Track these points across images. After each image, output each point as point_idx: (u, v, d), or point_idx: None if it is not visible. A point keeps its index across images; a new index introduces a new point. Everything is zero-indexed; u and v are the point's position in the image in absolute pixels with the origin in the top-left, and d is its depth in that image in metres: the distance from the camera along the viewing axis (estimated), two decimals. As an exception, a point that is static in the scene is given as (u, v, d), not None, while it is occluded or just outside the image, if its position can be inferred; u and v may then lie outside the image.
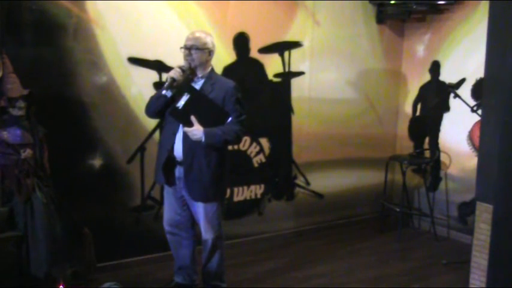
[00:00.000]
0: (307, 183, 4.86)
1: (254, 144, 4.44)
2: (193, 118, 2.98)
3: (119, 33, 3.64)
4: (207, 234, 3.26)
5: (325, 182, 4.97)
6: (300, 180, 4.80)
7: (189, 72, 3.10)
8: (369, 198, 5.29)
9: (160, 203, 4.00)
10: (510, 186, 2.90)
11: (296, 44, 4.56)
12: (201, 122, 2.99)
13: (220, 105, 3.07)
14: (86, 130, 3.61)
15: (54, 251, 3.03)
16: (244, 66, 4.30)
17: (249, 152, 4.44)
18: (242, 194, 4.45)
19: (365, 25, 5.01)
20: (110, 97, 3.67)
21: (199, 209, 3.20)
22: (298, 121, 4.69)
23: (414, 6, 4.72)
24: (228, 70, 4.17)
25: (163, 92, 3.07)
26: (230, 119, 3.06)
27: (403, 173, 4.85)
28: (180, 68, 3.06)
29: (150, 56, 3.80)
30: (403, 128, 5.38)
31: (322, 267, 4.09)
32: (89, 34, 3.54)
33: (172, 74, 3.03)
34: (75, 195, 3.51)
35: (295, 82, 4.61)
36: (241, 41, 4.23)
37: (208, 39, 3.11)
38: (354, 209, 5.23)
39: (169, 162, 3.16)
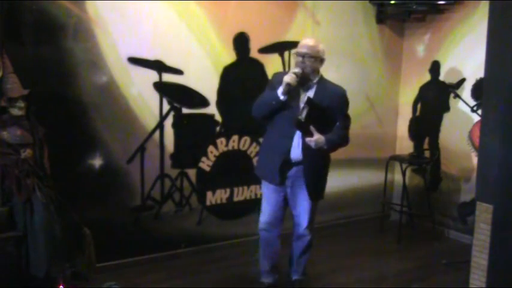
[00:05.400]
0: (307, 183, 4.85)
1: (254, 144, 4.44)
2: (312, 128, 3.14)
3: (118, 33, 3.64)
4: (306, 230, 3.44)
5: (325, 182, 4.96)
6: (300, 180, 4.80)
7: (300, 78, 3.20)
8: (369, 198, 5.28)
9: (160, 203, 4.01)
10: (510, 186, 2.91)
11: (296, 44, 4.54)
12: (319, 130, 3.17)
13: (334, 112, 3.25)
14: (86, 130, 3.61)
15: (54, 251, 3.02)
16: (244, 66, 4.29)
17: (249, 152, 4.43)
18: (242, 194, 4.45)
19: (365, 25, 5.01)
20: (110, 97, 3.67)
21: (306, 208, 3.38)
22: (298, 121, 4.67)
23: (414, 6, 4.72)
24: (228, 70, 4.17)
25: (282, 97, 3.17)
26: (338, 124, 3.27)
27: (403, 173, 4.85)
28: (295, 73, 3.17)
29: (150, 56, 3.80)
30: (403, 128, 5.38)
31: (322, 267, 4.09)
32: (89, 34, 3.54)
33: (288, 79, 3.14)
34: (75, 195, 3.50)
35: (295, 82, 4.60)
36: (241, 41, 4.23)
37: (320, 48, 3.30)
38: (354, 209, 5.23)
39: (285, 164, 3.26)
